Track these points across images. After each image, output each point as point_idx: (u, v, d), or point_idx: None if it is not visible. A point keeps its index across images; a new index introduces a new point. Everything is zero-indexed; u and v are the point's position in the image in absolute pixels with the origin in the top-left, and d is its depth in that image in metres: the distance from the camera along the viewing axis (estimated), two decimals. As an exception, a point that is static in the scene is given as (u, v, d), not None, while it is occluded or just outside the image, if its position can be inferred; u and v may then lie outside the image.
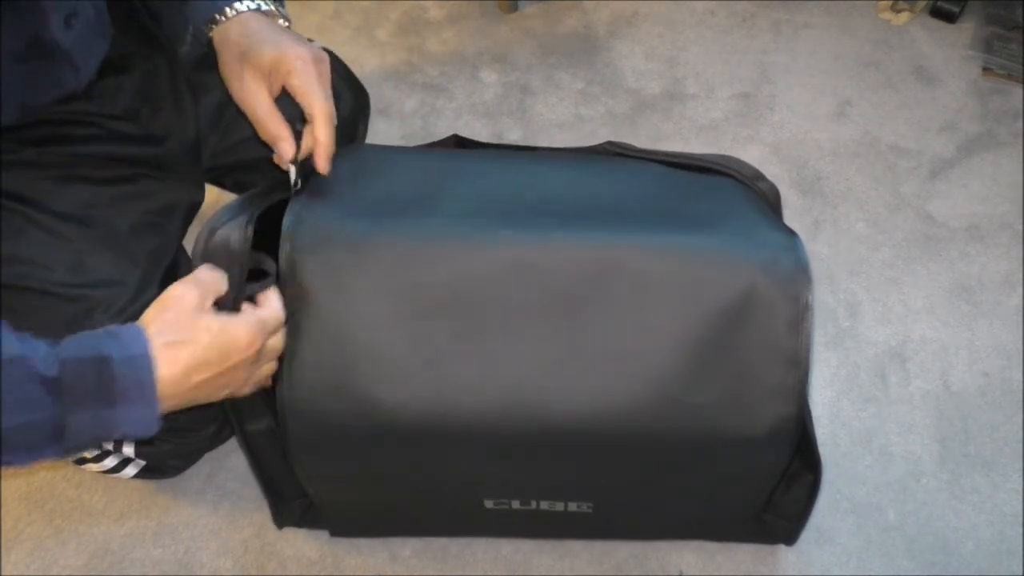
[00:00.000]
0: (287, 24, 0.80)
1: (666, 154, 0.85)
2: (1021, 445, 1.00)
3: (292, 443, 0.77)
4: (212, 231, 0.71)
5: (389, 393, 0.72)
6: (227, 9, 0.76)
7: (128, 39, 0.85)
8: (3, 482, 0.99)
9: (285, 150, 0.75)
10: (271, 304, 0.69)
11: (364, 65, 1.34)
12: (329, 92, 0.75)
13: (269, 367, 0.71)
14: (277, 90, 0.75)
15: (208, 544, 0.95)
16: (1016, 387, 1.04)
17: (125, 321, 0.74)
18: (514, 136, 1.27)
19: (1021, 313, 1.09)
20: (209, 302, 0.65)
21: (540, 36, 1.39)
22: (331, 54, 1.11)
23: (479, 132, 1.28)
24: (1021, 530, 0.94)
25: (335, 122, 0.75)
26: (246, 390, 0.70)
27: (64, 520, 0.97)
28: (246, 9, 0.77)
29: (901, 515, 0.96)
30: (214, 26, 0.77)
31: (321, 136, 0.74)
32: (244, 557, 0.94)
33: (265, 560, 0.94)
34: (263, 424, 0.81)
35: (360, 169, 0.80)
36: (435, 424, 0.73)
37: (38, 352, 0.58)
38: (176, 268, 0.88)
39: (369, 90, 1.16)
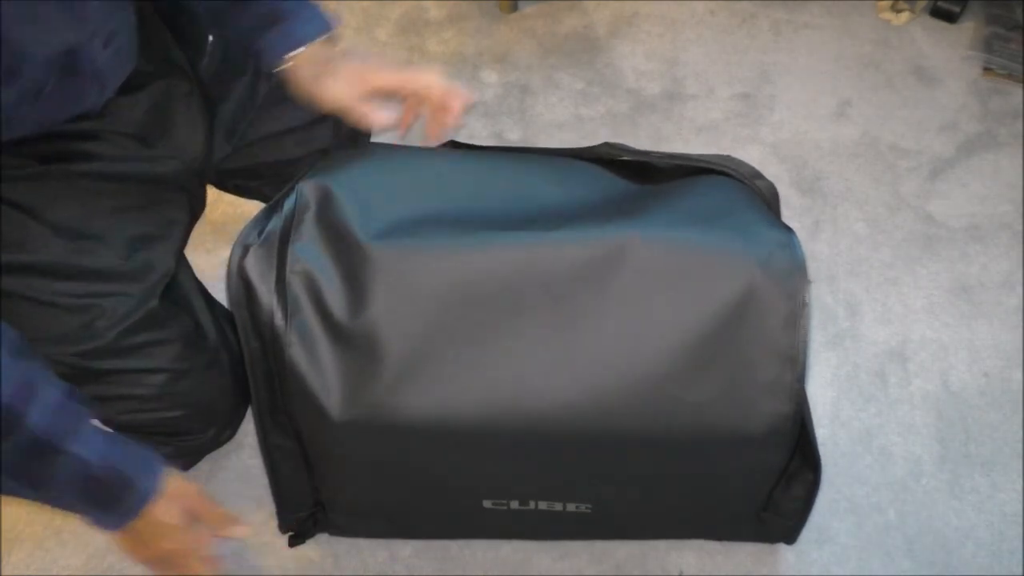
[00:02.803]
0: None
1: (663, 155, 0.85)
2: (1021, 445, 1.00)
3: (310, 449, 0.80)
4: (245, 249, 0.74)
5: (388, 394, 0.72)
6: (305, 44, 0.80)
7: (145, 58, 0.85)
8: (3, 482, 0.99)
9: (383, 117, 0.80)
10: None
11: (364, 65, 1.34)
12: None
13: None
14: (363, 94, 0.80)
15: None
16: (1016, 387, 1.04)
17: (125, 332, 0.81)
18: (514, 136, 1.27)
19: (1021, 313, 1.09)
20: (189, 512, 0.76)
21: (540, 36, 1.39)
22: None
23: (479, 132, 1.27)
24: (1021, 530, 0.94)
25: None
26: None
27: (64, 520, 0.97)
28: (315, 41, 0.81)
29: (901, 515, 0.96)
30: (291, 53, 0.80)
31: (443, 92, 0.81)
32: (244, 557, 0.94)
33: (264, 560, 0.94)
34: (284, 441, 0.81)
35: (368, 172, 0.80)
36: (433, 424, 0.73)
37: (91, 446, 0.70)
38: (176, 278, 0.87)
39: (369, 90, 1.15)
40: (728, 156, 0.85)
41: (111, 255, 0.81)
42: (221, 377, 0.89)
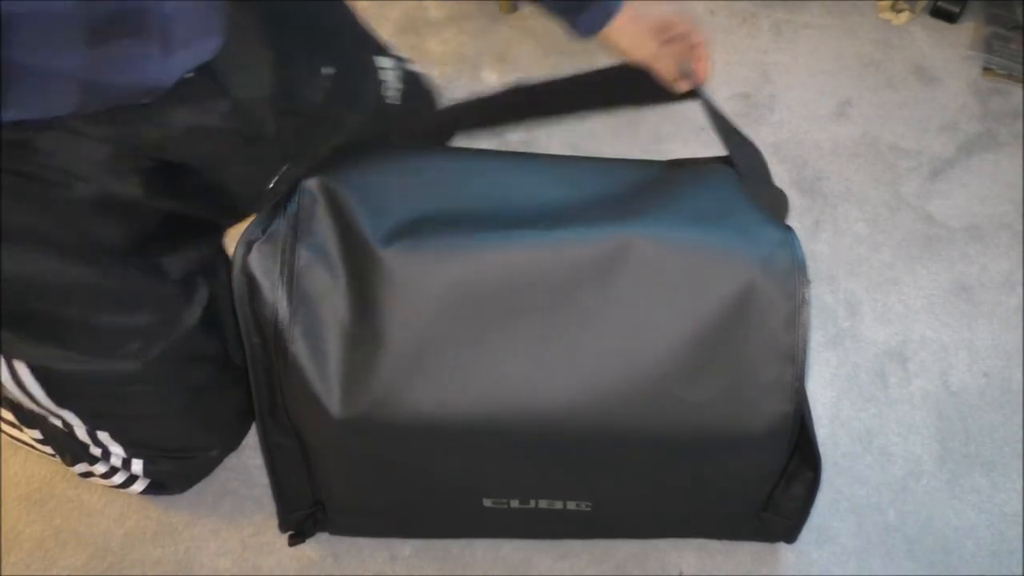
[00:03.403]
0: None
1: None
2: (1021, 445, 1.00)
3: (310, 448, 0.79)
4: (249, 246, 0.73)
5: (389, 393, 0.72)
6: (619, 10, 0.85)
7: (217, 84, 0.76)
8: (3, 482, 0.99)
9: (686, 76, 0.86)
10: None
11: (364, 65, 1.34)
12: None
13: None
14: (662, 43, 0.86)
15: (207, 544, 0.95)
16: (1016, 387, 1.04)
17: (161, 357, 0.79)
18: (514, 136, 1.27)
19: (1021, 313, 1.09)
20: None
21: (540, 36, 1.39)
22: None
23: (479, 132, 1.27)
24: (1021, 530, 0.94)
25: None
26: None
27: (64, 520, 0.97)
28: None
29: (901, 515, 0.96)
30: (610, 23, 0.85)
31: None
32: (243, 557, 0.94)
33: (264, 560, 0.94)
34: (285, 440, 0.81)
35: (372, 171, 0.80)
36: (433, 423, 0.73)
37: None
38: (213, 298, 0.86)
39: (369, 90, 1.15)
40: (754, 146, 0.86)
41: (155, 281, 0.79)
42: (239, 396, 0.89)
